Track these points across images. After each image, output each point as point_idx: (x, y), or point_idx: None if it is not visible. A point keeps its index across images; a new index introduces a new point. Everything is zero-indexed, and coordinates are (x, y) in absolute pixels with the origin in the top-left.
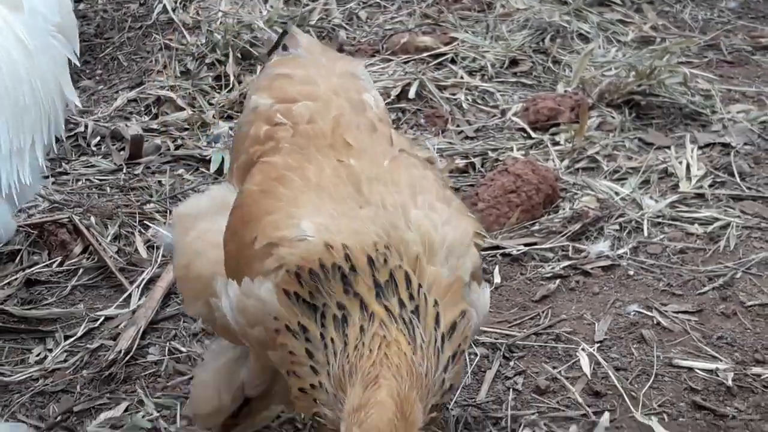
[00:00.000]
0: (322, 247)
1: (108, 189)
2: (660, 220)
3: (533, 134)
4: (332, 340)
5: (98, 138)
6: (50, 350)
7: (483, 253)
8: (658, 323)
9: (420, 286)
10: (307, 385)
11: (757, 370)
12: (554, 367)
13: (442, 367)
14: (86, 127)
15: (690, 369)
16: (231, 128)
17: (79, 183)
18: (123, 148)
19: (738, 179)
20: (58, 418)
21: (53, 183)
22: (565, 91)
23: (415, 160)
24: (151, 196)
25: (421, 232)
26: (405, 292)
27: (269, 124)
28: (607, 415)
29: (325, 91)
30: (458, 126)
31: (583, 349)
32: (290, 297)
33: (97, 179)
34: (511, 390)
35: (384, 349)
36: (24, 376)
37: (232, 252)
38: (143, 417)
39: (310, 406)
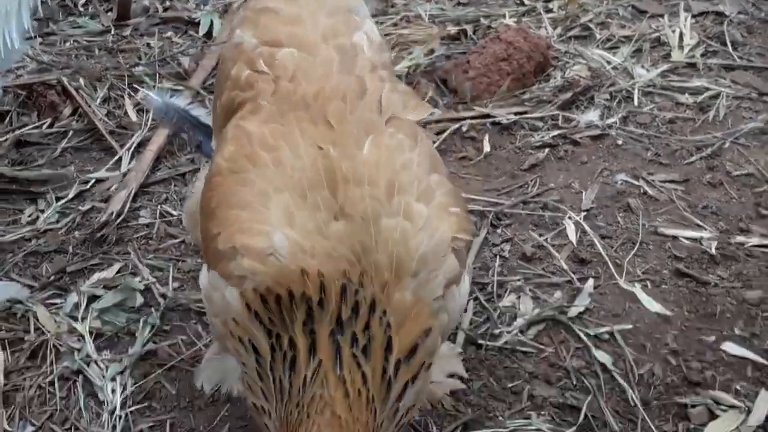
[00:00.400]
0: (296, 274)
1: (96, 51)
2: (650, 89)
3: (526, 1)
4: (280, 379)
5: None
6: (42, 211)
7: (473, 122)
8: (645, 192)
9: (383, 313)
10: (257, 404)
11: (740, 238)
12: (541, 235)
13: (395, 396)
14: None
15: (674, 237)
16: None
17: (67, 44)
18: (110, 9)
19: (730, 49)
20: (51, 277)
21: (41, 44)
22: None
23: (401, 135)
24: (140, 58)
25: (390, 251)
26: (361, 324)
27: (251, 68)
28: (591, 281)
29: (312, 34)
30: None
31: (569, 218)
32: (250, 312)
33: (85, 40)
34: (497, 257)
35: (322, 415)
36: (16, 236)
37: (201, 233)
38: (136, 278)
39: (258, 422)
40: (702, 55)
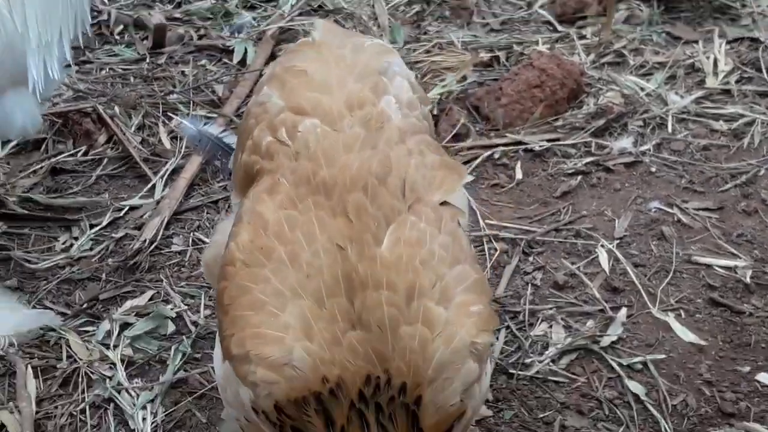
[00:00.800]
0: (315, 381)
1: (131, 78)
2: (684, 116)
3: (559, 27)
4: None
5: (121, 26)
6: (76, 238)
7: (505, 148)
8: (679, 220)
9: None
10: None
11: None
12: (573, 263)
13: None
14: (109, 15)
15: (709, 266)
16: (254, 18)
17: (103, 72)
18: (146, 38)
19: (765, 75)
20: (84, 305)
21: (77, 71)
22: None
23: (423, 224)
24: (174, 86)
25: (407, 360)
26: (385, 401)
27: (273, 135)
28: (624, 310)
29: (338, 103)
30: (484, 18)
31: (602, 245)
32: (261, 416)
33: (120, 68)
34: (529, 285)
35: None
36: (50, 264)
37: (217, 321)
38: (168, 306)
39: None
40: (737, 82)
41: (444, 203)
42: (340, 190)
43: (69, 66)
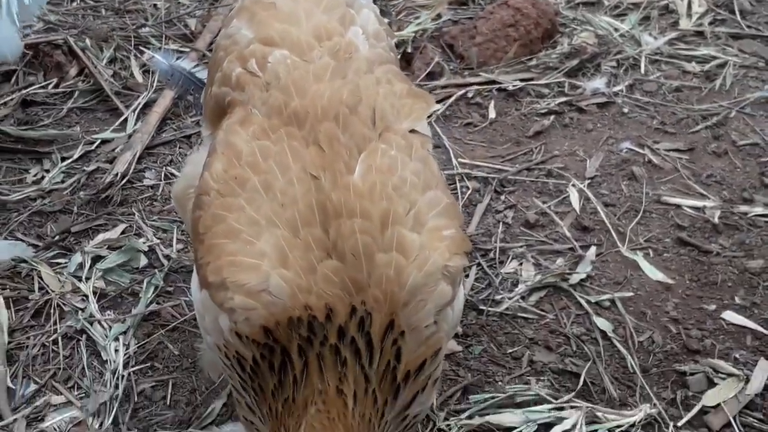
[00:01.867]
0: (294, 307)
1: (103, 11)
2: (658, 57)
3: None
4: (269, 387)
5: None
6: (47, 171)
7: (479, 88)
8: (649, 161)
9: (381, 341)
10: (246, 417)
11: (743, 208)
12: (544, 202)
13: (401, 407)
14: None
15: (678, 206)
16: None
17: (74, 4)
18: None
19: (738, 17)
20: (56, 237)
21: (48, 3)
22: None
23: (394, 151)
24: (147, 19)
25: (383, 288)
26: (365, 354)
27: (242, 66)
28: (593, 249)
29: (306, 34)
30: None
31: (573, 185)
32: (242, 340)
33: (92, 1)
34: (500, 223)
35: (314, 415)
36: (22, 196)
37: (193, 251)
38: (140, 239)
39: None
40: (710, 24)
41: (413, 131)
42: (312, 120)
43: None
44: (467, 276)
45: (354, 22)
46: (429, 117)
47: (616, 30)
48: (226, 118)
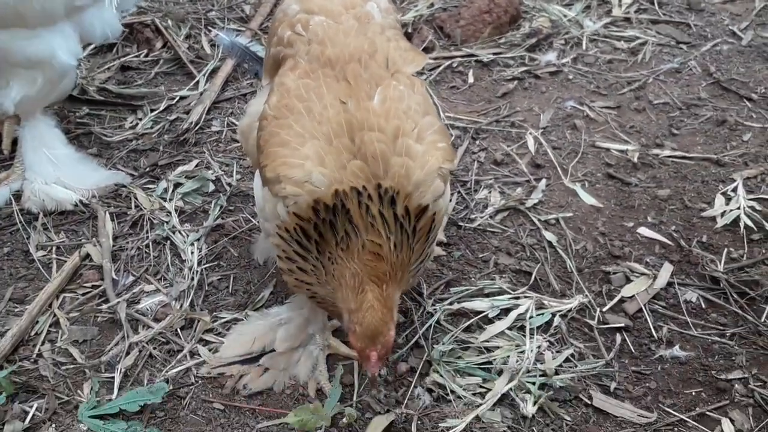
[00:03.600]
0: (329, 194)
1: None
2: (596, 37)
3: None
4: (329, 254)
5: None
6: (140, 119)
7: (461, 59)
8: (587, 115)
9: (395, 217)
10: (297, 279)
11: (656, 151)
12: (508, 146)
13: (417, 252)
14: None
15: (607, 149)
16: None
17: None
18: None
19: (657, 7)
20: (147, 168)
21: None
22: None
23: (402, 87)
24: (213, 5)
25: (396, 181)
26: (392, 221)
27: (292, 30)
28: (544, 181)
29: (337, 5)
30: None
31: (530, 133)
32: (297, 217)
33: None
34: (475, 162)
35: (368, 263)
36: (121, 138)
37: (259, 161)
38: (209, 171)
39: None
40: (635, 12)
41: (414, 75)
42: (342, 62)
43: None
44: (451, 200)
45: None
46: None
47: (565, 16)
48: (281, 68)
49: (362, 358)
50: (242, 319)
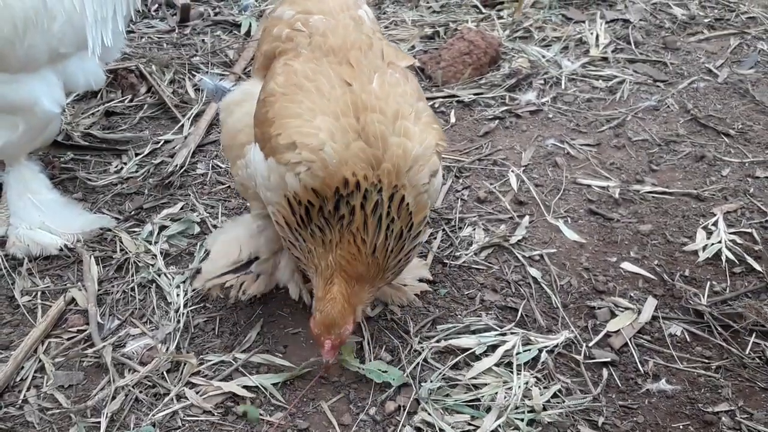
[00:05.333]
0: (340, 174)
1: (164, 45)
2: (574, 77)
3: (483, 10)
4: (317, 239)
5: (156, 5)
6: (125, 163)
7: (443, 100)
8: (568, 153)
9: (391, 201)
10: (295, 254)
11: (636, 187)
12: (491, 184)
13: (398, 250)
14: None
15: (588, 186)
16: (256, 0)
17: (143, 39)
18: (175, 14)
19: (633, 47)
20: (132, 212)
21: (125, 36)
22: None
23: (398, 75)
24: (197, 51)
25: (394, 161)
26: (385, 207)
27: (290, 28)
28: (527, 218)
29: (332, 7)
30: (428, 2)
31: (512, 171)
32: (306, 190)
33: (156, 37)
34: (459, 200)
35: (344, 258)
36: (106, 182)
37: (258, 134)
38: (194, 213)
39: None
40: (612, 51)
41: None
42: (343, 50)
43: (124, 36)
44: (435, 238)
45: (360, 7)
46: None
47: (544, 57)
48: (277, 58)
49: (318, 344)
50: (230, 362)
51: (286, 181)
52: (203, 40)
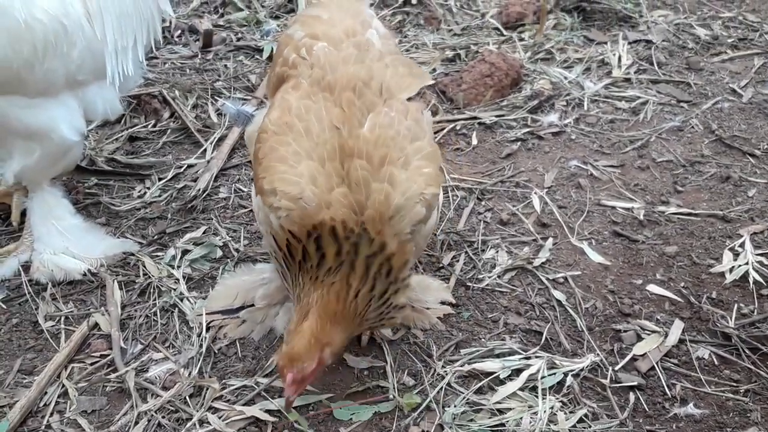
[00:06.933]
0: (316, 218)
1: (187, 70)
2: (596, 98)
3: (505, 32)
4: (301, 275)
5: (179, 31)
6: (148, 188)
7: (465, 122)
8: (591, 174)
9: (380, 248)
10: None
11: (661, 208)
12: (514, 206)
13: (381, 293)
14: (170, 22)
15: (613, 207)
16: (278, 26)
17: (166, 65)
18: (198, 39)
19: (656, 67)
20: (155, 236)
21: (147, 64)
22: None
23: (393, 113)
24: (219, 76)
25: (376, 207)
26: (365, 250)
27: (296, 53)
28: (550, 240)
29: (339, 32)
30: (449, 25)
31: (535, 193)
32: (282, 230)
33: (179, 62)
34: (482, 222)
35: (323, 298)
36: (130, 207)
37: (253, 167)
38: (217, 237)
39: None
40: (635, 72)
41: (410, 99)
42: (339, 89)
43: (143, 66)
44: (458, 261)
45: (370, 26)
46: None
47: (566, 78)
48: (283, 86)
49: (280, 375)
50: (252, 386)
51: (270, 220)
52: (225, 65)
